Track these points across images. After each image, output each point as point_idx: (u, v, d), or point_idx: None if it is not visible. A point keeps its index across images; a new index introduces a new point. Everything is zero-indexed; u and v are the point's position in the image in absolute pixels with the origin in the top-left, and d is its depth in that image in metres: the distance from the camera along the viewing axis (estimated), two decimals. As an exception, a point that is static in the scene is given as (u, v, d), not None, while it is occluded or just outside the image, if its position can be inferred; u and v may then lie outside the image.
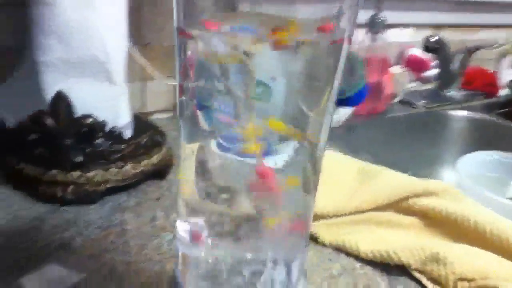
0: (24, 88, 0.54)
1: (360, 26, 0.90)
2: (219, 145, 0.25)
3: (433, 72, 1.05)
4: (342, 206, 0.46)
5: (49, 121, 0.49)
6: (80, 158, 0.50)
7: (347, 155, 0.66)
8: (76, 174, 0.51)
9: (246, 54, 0.23)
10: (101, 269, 0.41)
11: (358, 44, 0.84)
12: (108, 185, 0.52)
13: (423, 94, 1.02)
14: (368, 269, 0.43)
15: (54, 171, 0.51)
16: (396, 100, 0.98)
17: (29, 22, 0.49)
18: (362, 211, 0.47)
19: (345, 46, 0.25)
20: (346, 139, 0.78)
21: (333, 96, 0.25)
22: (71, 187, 0.50)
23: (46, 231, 0.46)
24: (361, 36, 0.87)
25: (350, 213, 0.47)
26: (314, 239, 0.46)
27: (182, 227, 0.28)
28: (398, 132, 0.92)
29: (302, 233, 0.29)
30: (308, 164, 0.26)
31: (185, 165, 0.27)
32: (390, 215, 0.47)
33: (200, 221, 0.27)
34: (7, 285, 0.38)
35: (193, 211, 0.28)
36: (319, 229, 0.46)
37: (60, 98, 0.48)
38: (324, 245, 0.45)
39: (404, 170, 0.53)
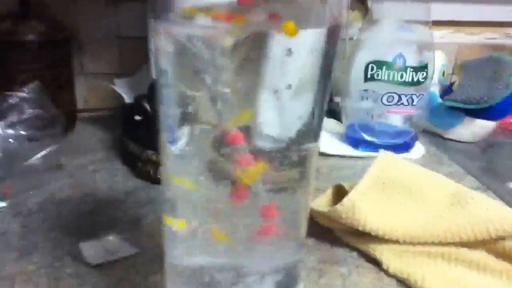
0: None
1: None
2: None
3: None
4: (419, 232, 0.39)
5: (146, 105, 0.53)
6: (168, 142, 0.53)
7: (480, 178, 0.56)
8: (167, 156, 0.54)
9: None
10: (153, 247, 0.42)
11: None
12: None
13: None
14: (428, 313, 0.36)
15: (150, 151, 0.55)
16: None
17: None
18: (443, 243, 0.39)
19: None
20: (484, 159, 0.66)
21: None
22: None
23: (129, 204, 0.50)
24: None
25: (427, 243, 0.39)
26: (378, 264, 0.40)
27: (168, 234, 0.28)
28: None
29: (287, 239, 0.26)
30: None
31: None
32: (477, 254, 0.38)
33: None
34: (71, 245, 0.42)
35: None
36: (386, 254, 0.40)
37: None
38: (387, 273, 0.39)
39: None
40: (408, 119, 0.63)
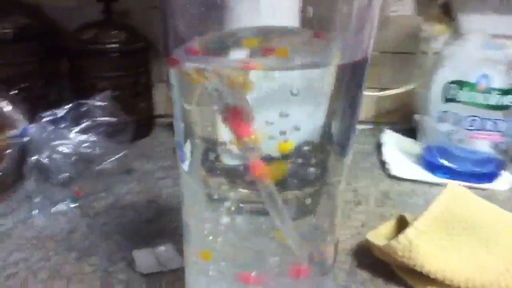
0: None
1: None
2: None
3: None
4: (485, 280, 0.35)
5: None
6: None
7: None
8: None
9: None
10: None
11: None
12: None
13: None
14: None
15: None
16: None
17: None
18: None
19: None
20: None
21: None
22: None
23: (186, 215, 0.51)
24: None
25: (494, 293, 0.35)
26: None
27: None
28: None
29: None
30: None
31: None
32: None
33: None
34: (127, 251, 0.43)
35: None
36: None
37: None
38: (445, 321, 0.36)
39: None
40: (494, 145, 0.57)
